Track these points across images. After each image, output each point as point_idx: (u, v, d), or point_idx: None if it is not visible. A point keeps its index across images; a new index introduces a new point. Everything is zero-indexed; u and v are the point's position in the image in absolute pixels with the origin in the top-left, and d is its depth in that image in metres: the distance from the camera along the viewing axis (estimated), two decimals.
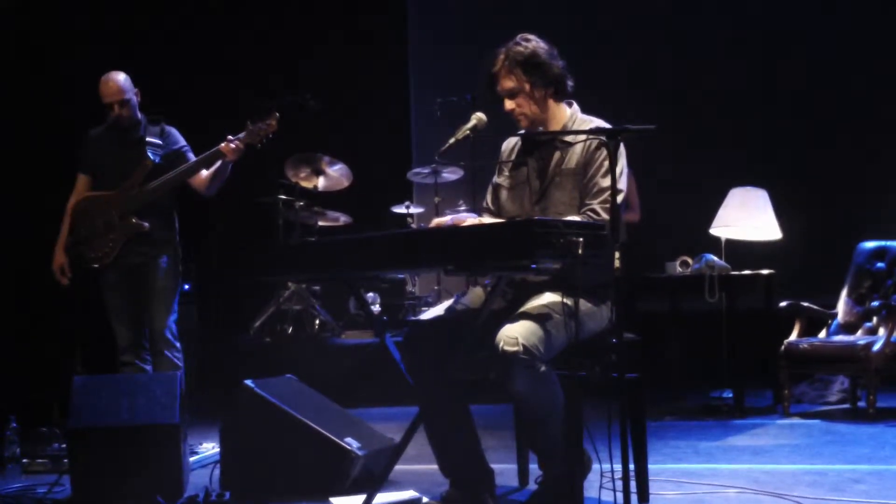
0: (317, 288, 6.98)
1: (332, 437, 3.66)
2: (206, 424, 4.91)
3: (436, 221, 3.33)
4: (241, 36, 7.87)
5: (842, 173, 7.11)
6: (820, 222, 6.88)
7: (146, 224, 4.44)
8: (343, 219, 7.14)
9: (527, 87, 3.24)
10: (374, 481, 3.29)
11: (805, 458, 4.19)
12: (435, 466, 3.41)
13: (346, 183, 7.11)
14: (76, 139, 4.72)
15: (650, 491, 3.33)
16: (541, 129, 3.32)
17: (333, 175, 7.05)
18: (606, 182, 3.12)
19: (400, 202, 7.34)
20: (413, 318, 6.77)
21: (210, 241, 7.15)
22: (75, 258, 4.51)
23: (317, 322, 6.78)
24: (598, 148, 3.20)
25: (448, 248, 2.87)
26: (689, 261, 5.59)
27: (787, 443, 4.62)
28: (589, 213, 3.14)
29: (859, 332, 5.52)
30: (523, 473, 3.71)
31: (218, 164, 4.47)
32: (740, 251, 5.91)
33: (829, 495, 3.39)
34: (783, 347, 5.40)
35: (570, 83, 3.31)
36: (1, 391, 5.51)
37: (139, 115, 4.57)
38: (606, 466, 2.89)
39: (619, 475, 2.88)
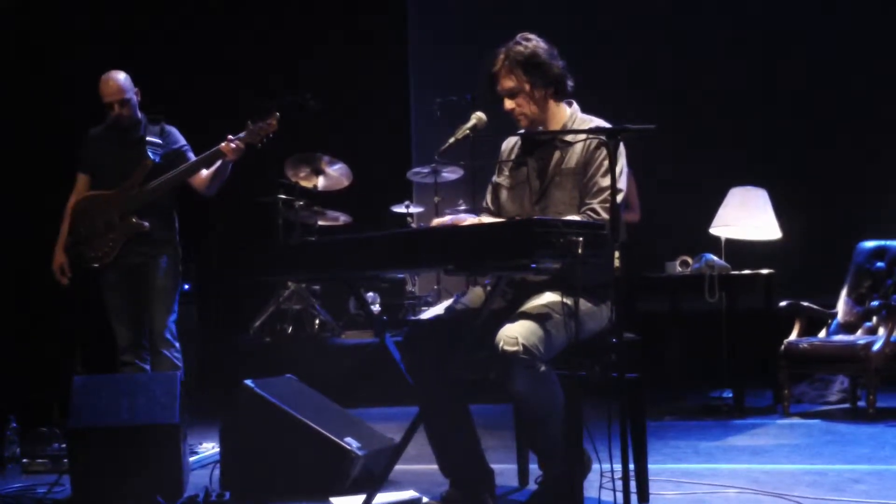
0: (317, 288, 6.97)
1: (332, 437, 3.66)
2: (206, 424, 4.90)
3: (435, 221, 3.34)
4: (241, 36, 7.86)
5: (842, 173, 7.10)
6: (820, 222, 6.87)
7: (146, 224, 4.44)
8: (343, 218, 7.13)
9: (527, 86, 3.24)
10: (374, 481, 3.29)
11: (805, 458, 4.19)
12: (435, 466, 3.41)
13: (345, 182, 7.11)
14: (76, 139, 4.72)
15: (650, 491, 3.33)
16: (541, 128, 3.32)
17: (333, 175, 7.05)
18: (606, 182, 3.12)
19: (400, 202, 7.34)
20: (413, 317, 6.77)
21: (210, 240, 7.15)
22: (75, 258, 4.50)
23: (317, 322, 6.77)
24: (597, 147, 3.20)
25: (448, 247, 2.87)
26: (689, 260, 5.59)
27: (786, 443, 4.61)
28: (589, 212, 3.14)
29: (859, 332, 5.51)
30: (523, 473, 3.70)
31: (218, 163, 4.47)
32: (740, 251, 5.91)
33: (829, 495, 3.39)
34: (783, 347, 5.40)
35: (570, 83, 3.31)
36: (1, 391, 5.50)
37: (139, 114, 4.56)
38: (606, 466, 2.89)
39: (619, 475, 2.88)
